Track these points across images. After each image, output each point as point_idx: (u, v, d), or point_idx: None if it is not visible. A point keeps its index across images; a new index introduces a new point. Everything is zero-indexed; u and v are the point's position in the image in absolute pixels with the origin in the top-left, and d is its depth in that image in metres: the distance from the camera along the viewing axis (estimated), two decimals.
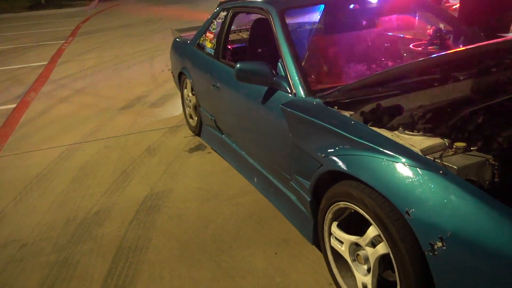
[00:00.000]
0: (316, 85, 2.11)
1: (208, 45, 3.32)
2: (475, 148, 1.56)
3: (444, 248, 1.27)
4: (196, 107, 3.66)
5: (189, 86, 3.76)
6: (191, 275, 2.14)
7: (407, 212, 1.37)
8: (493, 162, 1.47)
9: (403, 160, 1.45)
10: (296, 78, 2.12)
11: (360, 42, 2.48)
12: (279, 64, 2.25)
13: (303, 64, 2.28)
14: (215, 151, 3.44)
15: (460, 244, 1.24)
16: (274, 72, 2.21)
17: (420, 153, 1.49)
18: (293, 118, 2.00)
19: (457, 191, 1.29)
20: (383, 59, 2.31)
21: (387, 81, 1.88)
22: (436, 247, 1.29)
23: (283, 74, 2.20)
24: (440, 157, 1.50)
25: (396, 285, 1.49)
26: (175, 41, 4.23)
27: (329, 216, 1.83)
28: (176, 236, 2.46)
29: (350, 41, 2.49)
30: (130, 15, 15.69)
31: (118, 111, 4.86)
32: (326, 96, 1.97)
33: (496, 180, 1.47)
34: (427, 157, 1.49)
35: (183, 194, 2.93)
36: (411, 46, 2.63)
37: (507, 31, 3.62)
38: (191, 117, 3.90)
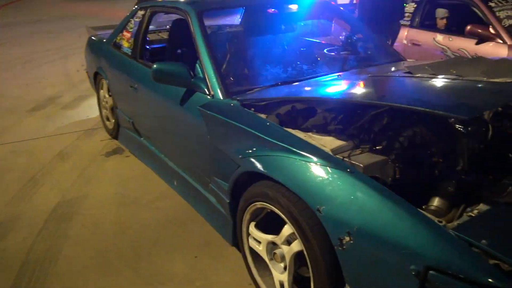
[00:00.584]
0: (234, 87, 2.12)
1: (125, 44, 3.19)
2: (380, 147, 1.66)
3: (352, 242, 1.34)
4: (113, 109, 3.50)
5: (105, 86, 3.59)
6: (107, 285, 2.03)
7: (318, 210, 1.42)
8: (395, 160, 1.58)
9: (315, 159, 1.50)
10: (214, 79, 2.11)
11: (277, 45, 2.55)
12: (197, 65, 2.23)
13: (223, 66, 2.29)
14: (134, 155, 3.31)
15: (366, 238, 1.32)
16: (192, 73, 2.19)
17: (330, 152, 1.56)
18: (211, 119, 1.99)
19: (363, 188, 1.37)
20: (298, 63, 2.40)
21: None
22: (344, 242, 1.36)
23: (201, 75, 2.19)
24: (349, 156, 1.58)
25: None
26: (90, 39, 4.01)
27: (247, 216, 1.85)
28: (91, 245, 2.32)
29: (268, 44, 2.55)
30: (42, 10, 14.61)
31: (26, 113, 4.49)
32: (243, 98, 1.99)
33: (397, 176, 1.58)
34: (337, 156, 1.56)
35: (99, 200, 2.78)
36: (325, 51, 2.75)
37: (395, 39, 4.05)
38: (107, 119, 3.72)
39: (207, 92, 2.12)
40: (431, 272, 1.20)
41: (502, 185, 1.53)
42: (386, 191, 1.35)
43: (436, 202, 1.49)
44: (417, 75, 1.92)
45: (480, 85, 1.68)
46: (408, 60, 2.66)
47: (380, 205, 1.32)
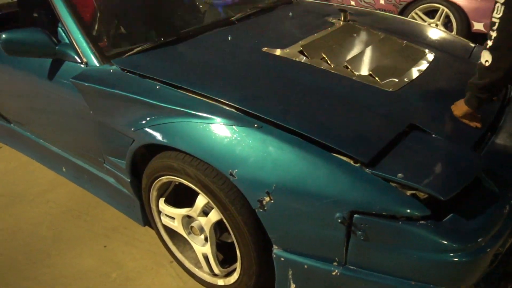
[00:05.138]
0: (110, 50, 1.82)
1: None
2: None
3: (272, 201, 1.25)
4: None
5: None
6: None
7: (231, 174, 1.30)
8: None
9: (218, 120, 1.35)
10: (84, 44, 1.78)
11: None
12: (60, 29, 1.86)
13: (93, 26, 1.94)
14: (6, 145, 2.82)
15: (286, 194, 1.24)
16: (55, 39, 1.83)
17: (234, 110, 1.41)
18: (89, 92, 1.70)
19: (274, 142, 1.27)
20: (179, 13, 2.14)
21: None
22: (264, 203, 1.26)
23: (67, 41, 1.84)
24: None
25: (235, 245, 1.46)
26: None
27: (153, 193, 1.67)
28: None
29: None
30: None
31: None
32: (124, 61, 1.72)
33: None
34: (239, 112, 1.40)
35: None
36: None
37: None
38: None
39: (79, 60, 1.79)
40: (356, 216, 1.17)
41: None
42: (298, 141, 1.26)
43: None
44: (314, 62, 1.71)
45: None
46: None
47: (294, 157, 1.24)
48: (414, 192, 1.18)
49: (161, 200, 1.66)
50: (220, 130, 1.34)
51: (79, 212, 2.20)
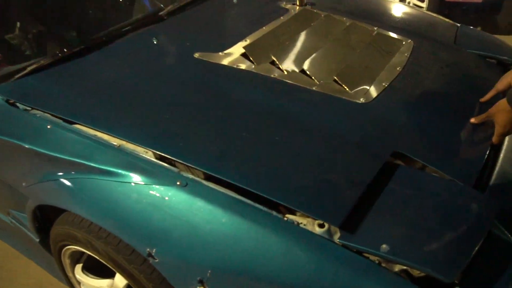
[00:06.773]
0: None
1: None
2: None
3: None
4: None
5: None
6: None
7: (149, 254, 0.92)
8: None
9: (126, 175, 0.96)
10: None
11: None
12: None
13: None
14: None
15: (226, 283, 0.88)
16: None
17: (153, 158, 1.01)
18: None
19: (205, 208, 0.89)
20: (90, 11, 1.69)
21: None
22: None
23: None
24: None
25: None
26: None
27: (66, 261, 1.28)
28: None
29: None
30: None
31: None
32: (9, 87, 1.29)
33: None
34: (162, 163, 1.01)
35: None
36: None
37: None
38: None
39: None
40: None
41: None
42: (239, 203, 0.89)
43: None
44: (261, 69, 1.31)
45: None
46: None
47: (234, 229, 0.87)
48: (404, 268, 0.84)
49: (78, 267, 1.28)
50: (129, 191, 0.95)
51: None
